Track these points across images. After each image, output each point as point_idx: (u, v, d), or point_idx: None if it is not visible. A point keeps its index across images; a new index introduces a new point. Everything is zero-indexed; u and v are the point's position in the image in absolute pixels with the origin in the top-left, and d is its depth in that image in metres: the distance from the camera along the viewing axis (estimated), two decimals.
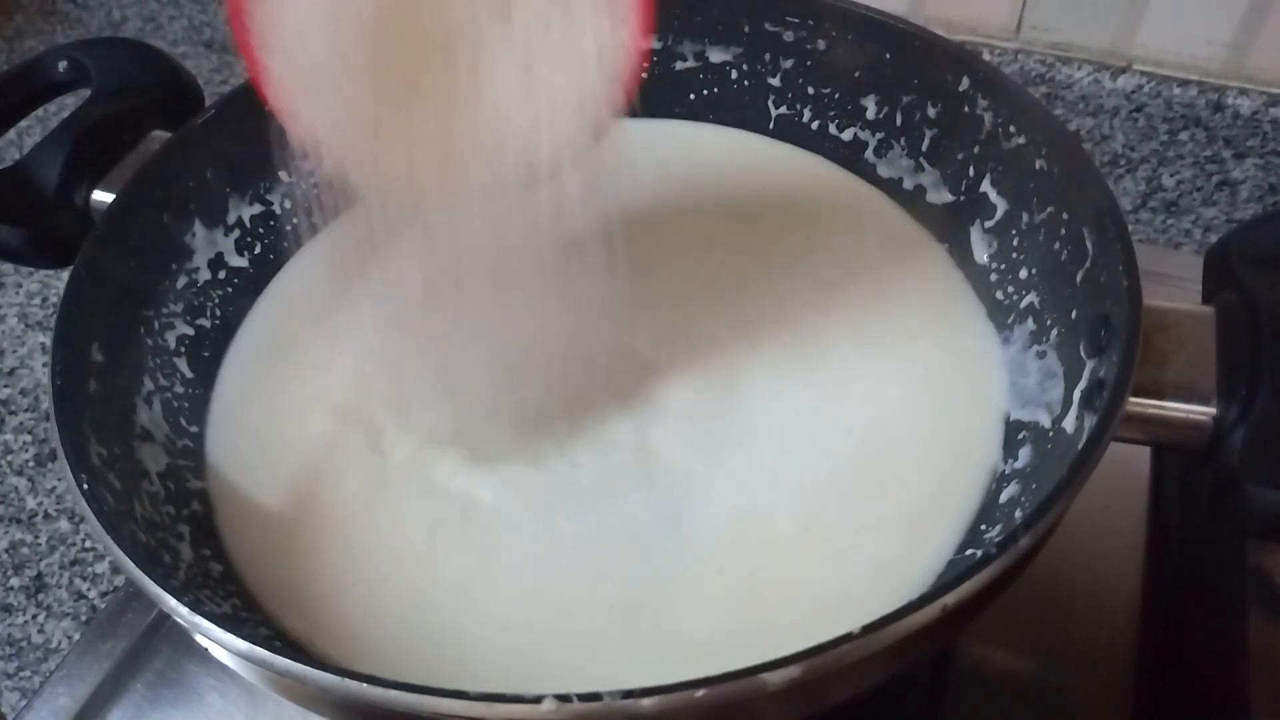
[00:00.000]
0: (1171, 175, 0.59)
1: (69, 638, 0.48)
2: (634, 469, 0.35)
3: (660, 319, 0.39)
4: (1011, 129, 0.38)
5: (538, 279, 0.41)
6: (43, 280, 0.66)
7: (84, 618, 0.49)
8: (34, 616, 0.50)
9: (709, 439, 0.36)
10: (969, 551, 0.32)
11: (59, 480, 0.54)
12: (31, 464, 0.56)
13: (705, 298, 0.40)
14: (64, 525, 0.53)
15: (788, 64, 0.45)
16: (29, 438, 0.57)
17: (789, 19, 0.43)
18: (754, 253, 0.42)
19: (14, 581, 0.51)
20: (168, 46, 0.81)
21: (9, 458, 0.56)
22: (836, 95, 0.44)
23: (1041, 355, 0.35)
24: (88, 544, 0.52)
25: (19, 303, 0.65)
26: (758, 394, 0.37)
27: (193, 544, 0.33)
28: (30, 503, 0.54)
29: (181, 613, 0.26)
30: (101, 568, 0.51)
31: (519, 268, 0.42)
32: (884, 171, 0.44)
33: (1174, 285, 0.49)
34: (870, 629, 0.24)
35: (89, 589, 0.51)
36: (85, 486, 0.29)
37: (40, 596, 0.50)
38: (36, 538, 0.53)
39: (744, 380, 0.37)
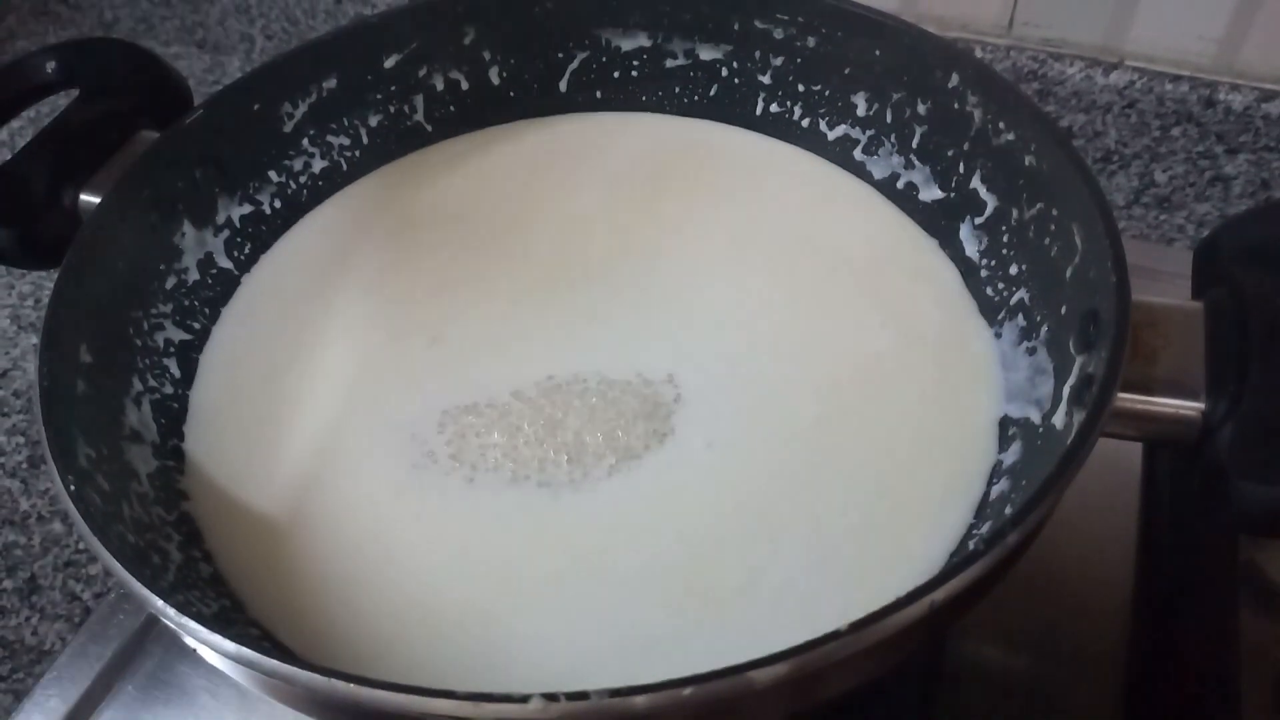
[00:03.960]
0: (1164, 171, 0.59)
1: (62, 640, 0.48)
2: (622, 465, 0.35)
3: (647, 313, 0.39)
4: (1001, 125, 0.38)
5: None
6: (35, 282, 0.66)
7: (77, 620, 0.49)
8: (27, 619, 0.50)
9: (701, 434, 0.35)
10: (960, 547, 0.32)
11: (52, 482, 0.54)
12: (25, 466, 0.56)
13: (695, 293, 0.40)
14: (57, 527, 0.53)
15: (778, 61, 0.45)
16: (22, 439, 0.57)
17: (779, 16, 0.43)
18: (745, 249, 0.41)
19: (7, 584, 0.51)
20: (160, 47, 0.82)
21: (2, 460, 0.56)
22: (827, 92, 0.44)
23: (1031, 351, 0.35)
24: (81, 546, 0.52)
25: (11, 304, 0.65)
26: (748, 386, 0.37)
27: (183, 545, 0.33)
28: (23, 504, 0.54)
29: (168, 613, 0.26)
30: (95, 569, 0.51)
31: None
32: (874, 168, 0.44)
33: (1167, 281, 0.48)
34: (858, 626, 0.24)
35: (82, 590, 0.51)
36: (72, 488, 0.29)
37: (34, 598, 0.50)
38: (30, 540, 0.53)
39: (736, 373, 0.37)
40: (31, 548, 0.52)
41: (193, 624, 0.26)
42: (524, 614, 0.32)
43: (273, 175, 0.44)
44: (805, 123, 0.45)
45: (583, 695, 0.23)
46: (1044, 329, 0.35)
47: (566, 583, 0.32)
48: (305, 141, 0.44)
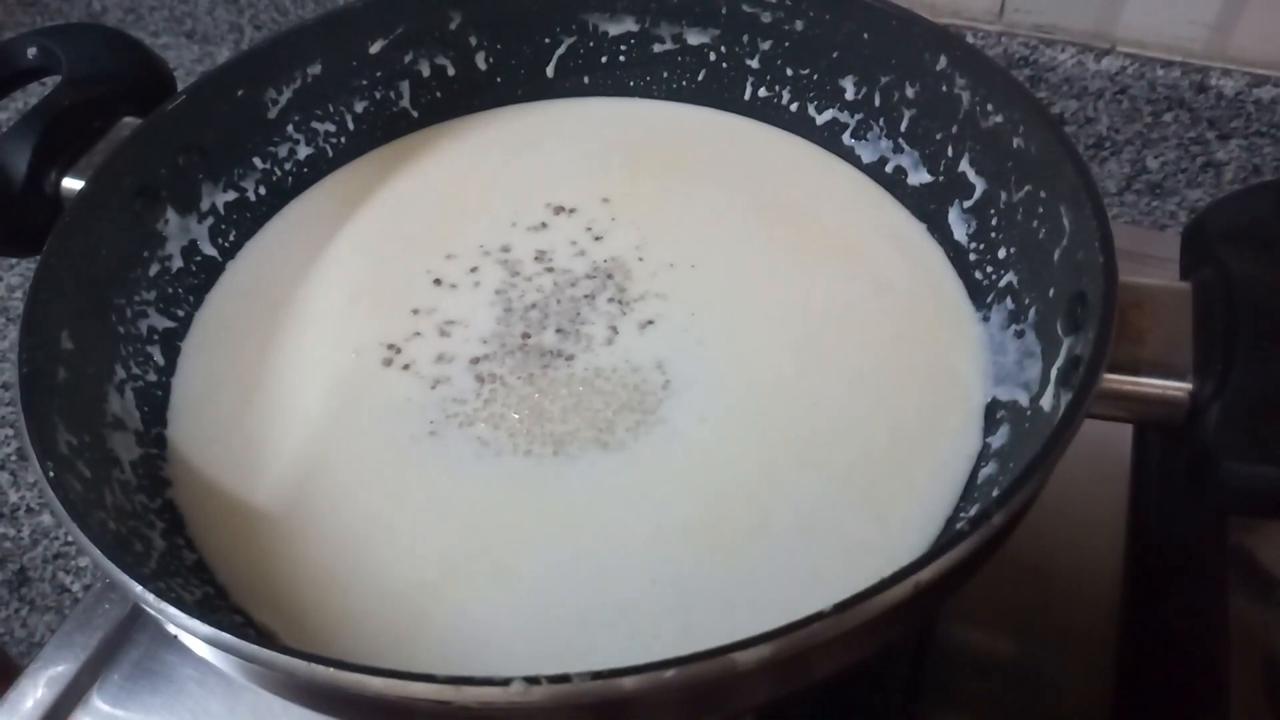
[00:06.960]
0: (1156, 157, 0.59)
1: (52, 631, 0.48)
2: (614, 448, 0.35)
3: (637, 301, 0.39)
4: (989, 107, 0.37)
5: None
6: (24, 274, 0.66)
7: (67, 612, 0.49)
8: (16, 611, 0.49)
9: (686, 414, 0.35)
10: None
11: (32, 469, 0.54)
12: (14, 458, 0.55)
13: (682, 276, 0.40)
14: (46, 519, 0.53)
15: (766, 45, 0.44)
16: (10, 431, 0.57)
17: (766, 0, 0.43)
18: (734, 234, 0.41)
19: None
20: (149, 37, 0.81)
21: None
22: (815, 76, 0.44)
23: (1020, 334, 0.35)
24: (70, 538, 0.52)
25: (0, 296, 0.64)
26: (734, 370, 0.36)
27: (166, 532, 0.33)
28: (13, 497, 0.54)
29: (148, 600, 0.26)
30: (84, 561, 0.51)
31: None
32: (863, 152, 0.43)
33: (1160, 266, 0.48)
34: (842, 607, 0.24)
35: (72, 582, 0.50)
36: (52, 474, 0.29)
37: (23, 590, 0.50)
38: (19, 532, 0.52)
39: (722, 355, 0.37)
40: (21, 540, 0.52)
41: (172, 610, 0.25)
42: (518, 595, 0.31)
43: (257, 162, 0.43)
44: (794, 107, 0.45)
45: (564, 678, 0.23)
46: (1032, 311, 0.35)
47: (565, 562, 0.32)
48: (290, 128, 0.44)
